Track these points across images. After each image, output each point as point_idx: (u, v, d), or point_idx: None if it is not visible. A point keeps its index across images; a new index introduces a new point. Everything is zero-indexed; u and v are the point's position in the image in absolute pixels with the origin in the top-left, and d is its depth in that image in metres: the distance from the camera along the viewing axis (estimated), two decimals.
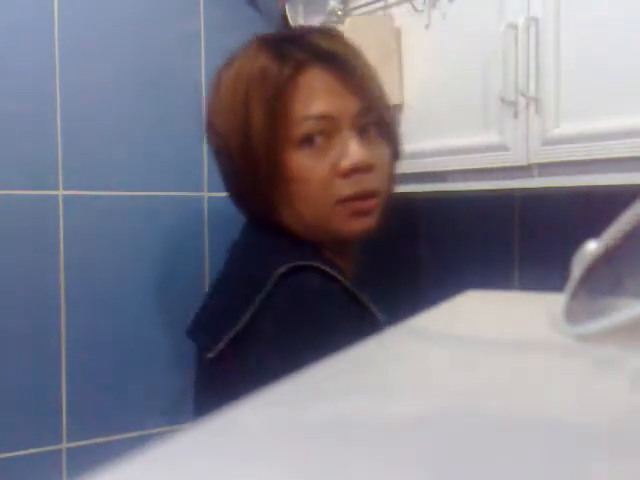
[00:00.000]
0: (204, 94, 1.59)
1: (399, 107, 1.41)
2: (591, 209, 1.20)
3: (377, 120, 1.07)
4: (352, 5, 1.49)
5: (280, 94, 1.02)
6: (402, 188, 1.43)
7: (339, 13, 1.47)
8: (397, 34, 1.41)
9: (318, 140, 1.03)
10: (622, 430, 0.22)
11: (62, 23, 1.43)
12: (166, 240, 1.36)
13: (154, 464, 0.20)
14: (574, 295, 0.39)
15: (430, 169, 1.35)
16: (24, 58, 1.39)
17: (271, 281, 0.98)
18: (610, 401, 0.26)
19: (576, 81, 1.11)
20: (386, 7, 1.44)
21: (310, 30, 1.12)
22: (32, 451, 1.40)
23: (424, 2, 1.35)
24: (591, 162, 1.10)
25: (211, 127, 1.12)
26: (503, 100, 1.19)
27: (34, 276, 1.41)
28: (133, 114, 1.51)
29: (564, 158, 1.13)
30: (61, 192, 1.43)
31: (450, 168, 1.31)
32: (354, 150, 1.02)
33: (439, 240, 1.68)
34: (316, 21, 1.52)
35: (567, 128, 1.12)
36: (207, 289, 1.26)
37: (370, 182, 1.05)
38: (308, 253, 1.05)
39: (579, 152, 1.11)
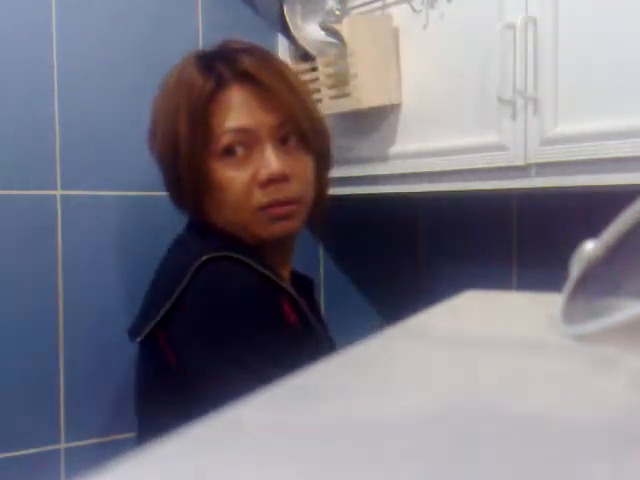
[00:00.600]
0: None
1: (397, 107, 1.41)
2: (589, 209, 1.20)
3: (297, 132, 1.15)
4: (350, 5, 1.49)
5: (202, 107, 1.11)
6: (401, 188, 1.43)
7: (337, 13, 1.47)
8: (395, 34, 1.41)
9: (239, 151, 1.12)
10: (620, 430, 0.22)
11: (60, 23, 1.43)
12: (164, 240, 1.36)
13: (153, 464, 0.20)
14: (572, 295, 0.39)
15: (428, 169, 1.35)
16: (22, 58, 1.39)
17: (190, 270, 1.06)
18: (608, 401, 0.26)
19: (574, 81, 1.11)
20: (384, 7, 1.44)
21: (242, 49, 1.19)
22: (30, 451, 1.39)
23: (422, 2, 1.35)
24: (589, 162, 1.10)
25: (151, 134, 1.20)
26: (501, 100, 1.19)
27: (32, 276, 1.41)
28: (131, 114, 1.51)
29: (562, 158, 1.13)
30: (59, 192, 1.43)
31: (448, 168, 1.31)
32: (270, 161, 1.11)
33: (437, 240, 1.68)
34: (314, 21, 1.52)
35: (565, 128, 1.12)
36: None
37: (287, 191, 1.13)
38: (233, 248, 1.12)
39: (577, 152, 1.11)
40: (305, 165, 1.17)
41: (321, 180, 1.23)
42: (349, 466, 0.19)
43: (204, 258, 1.07)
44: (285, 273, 1.23)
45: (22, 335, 1.39)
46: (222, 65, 1.14)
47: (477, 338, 0.38)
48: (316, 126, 1.20)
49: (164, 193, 1.34)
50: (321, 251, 1.73)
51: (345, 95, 1.41)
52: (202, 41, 1.59)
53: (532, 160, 1.17)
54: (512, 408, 0.25)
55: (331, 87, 1.44)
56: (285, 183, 1.12)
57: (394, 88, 1.40)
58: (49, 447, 1.42)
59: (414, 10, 1.37)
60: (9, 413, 1.38)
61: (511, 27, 1.17)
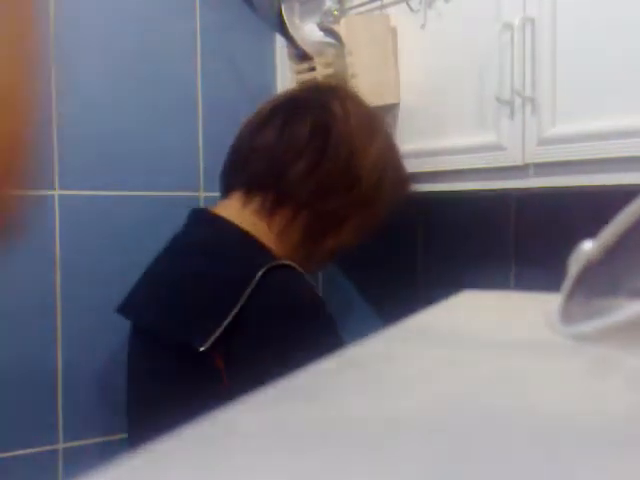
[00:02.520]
0: (200, 94, 1.59)
1: (395, 107, 1.41)
2: (587, 209, 1.20)
3: None
4: (348, 5, 1.49)
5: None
6: None
7: (335, 13, 1.47)
8: (393, 34, 1.41)
9: None
10: (619, 429, 0.22)
11: (59, 23, 1.43)
12: (162, 240, 1.36)
13: (151, 464, 0.20)
14: (570, 295, 0.39)
15: (426, 169, 1.35)
16: None
17: (255, 278, 1.06)
18: (606, 400, 0.26)
19: (572, 81, 1.11)
20: (382, 7, 1.44)
21: None
22: (28, 451, 1.39)
23: (420, 2, 1.35)
24: (587, 162, 1.10)
25: (345, 145, 1.25)
26: (499, 100, 1.19)
27: (30, 276, 1.40)
28: (129, 114, 1.51)
29: (560, 158, 1.13)
30: (57, 192, 1.43)
31: (446, 168, 1.31)
32: None
33: (435, 240, 1.68)
34: (312, 21, 1.52)
35: (563, 128, 1.12)
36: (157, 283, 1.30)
37: None
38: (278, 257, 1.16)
39: (575, 152, 1.11)
40: None
41: None
42: (349, 466, 0.19)
43: (269, 266, 1.09)
44: None
45: (20, 335, 1.39)
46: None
47: (475, 338, 0.38)
48: None
49: (161, 193, 1.34)
50: None
51: None
52: (200, 40, 1.59)
53: (530, 160, 1.17)
54: (511, 408, 0.25)
55: None
56: None
57: (392, 88, 1.40)
58: (47, 447, 1.42)
59: (412, 10, 1.37)
60: (7, 413, 1.38)
61: (509, 27, 1.17)
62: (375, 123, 1.31)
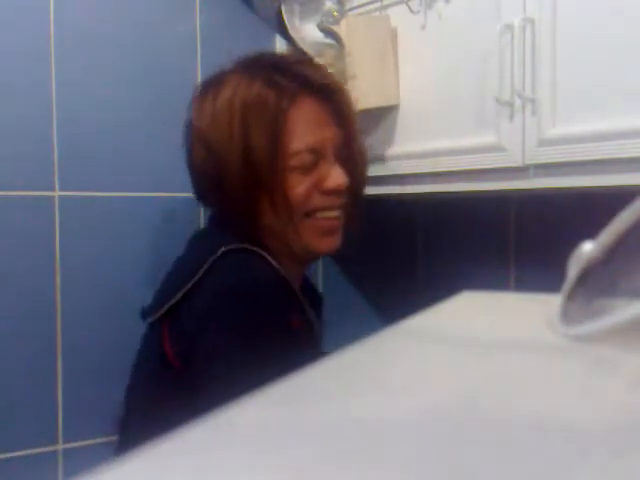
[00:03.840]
0: None
1: (395, 108, 1.41)
2: (587, 210, 1.21)
3: (352, 152, 1.24)
4: (348, 6, 1.49)
5: (278, 125, 1.14)
6: (398, 189, 1.43)
7: (335, 14, 1.47)
8: (393, 35, 1.41)
9: (308, 164, 1.17)
10: (619, 430, 0.22)
11: (58, 24, 1.43)
12: (162, 241, 1.36)
13: (151, 464, 0.20)
14: (570, 296, 0.39)
15: (426, 170, 1.35)
16: (20, 58, 1.39)
17: (209, 260, 1.08)
18: (607, 401, 0.26)
19: (572, 82, 1.11)
20: (382, 8, 1.44)
21: (295, 60, 1.24)
22: (28, 452, 1.39)
23: (420, 3, 1.35)
24: (587, 163, 1.10)
25: (202, 142, 1.18)
26: (499, 101, 1.19)
27: (30, 277, 1.40)
28: (129, 115, 1.51)
29: (560, 159, 1.13)
30: (57, 193, 1.43)
31: (446, 169, 1.31)
32: (339, 174, 1.19)
33: (435, 241, 1.68)
34: (312, 21, 1.52)
35: (563, 129, 1.12)
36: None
37: (340, 204, 1.22)
38: (258, 245, 1.14)
39: (575, 153, 1.11)
40: (349, 177, 1.23)
41: (358, 203, 1.29)
42: (348, 466, 0.19)
43: (224, 249, 1.09)
44: (297, 284, 1.25)
45: (20, 336, 1.39)
46: (286, 78, 1.17)
47: (475, 339, 0.38)
48: (364, 156, 1.30)
49: (161, 194, 1.34)
50: None
51: None
52: (200, 41, 1.59)
53: (530, 161, 1.17)
54: (511, 408, 0.25)
55: None
56: (341, 198, 1.21)
57: (392, 89, 1.40)
58: (47, 448, 1.42)
59: (412, 11, 1.37)
60: (7, 414, 1.38)
61: (509, 28, 1.17)
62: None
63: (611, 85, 1.06)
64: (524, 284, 1.46)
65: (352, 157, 1.25)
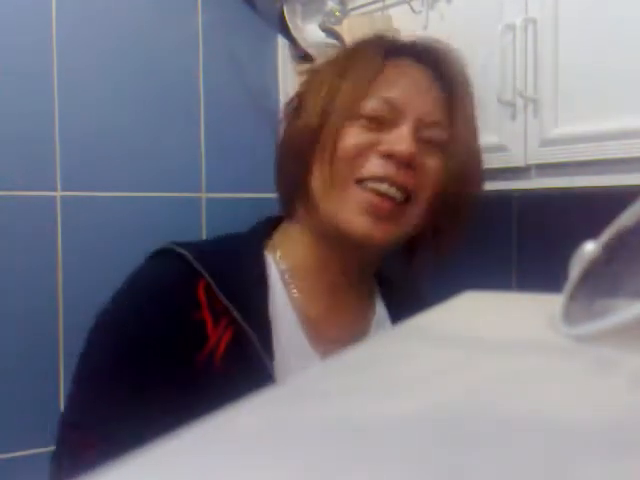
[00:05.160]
0: (202, 94, 1.59)
1: None
2: (589, 210, 1.20)
3: (450, 140, 0.99)
4: (350, 6, 1.49)
5: (369, 72, 0.98)
6: None
7: (337, 14, 1.47)
8: (395, 35, 1.41)
9: (375, 121, 0.96)
10: (621, 430, 0.22)
11: (60, 24, 1.43)
12: (164, 241, 1.36)
13: (152, 464, 0.20)
14: (572, 296, 0.39)
15: None
16: (22, 58, 1.39)
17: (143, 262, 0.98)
18: (608, 401, 0.26)
19: (574, 82, 1.11)
20: (384, 8, 1.44)
21: (433, 41, 1.06)
22: (29, 451, 1.39)
23: (422, 3, 1.35)
24: (589, 163, 1.10)
25: (293, 105, 1.05)
26: (501, 101, 1.19)
27: (32, 277, 1.41)
28: (131, 115, 1.51)
29: (562, 159, 1.13)
30: (59, 193, 1.43)
31: None
32: (404, 139, 0.94)
33: None
34: (314, 21, 1.52)
35: (565, 129, 1.12)
36: None
37: (405, 178, 0.94)
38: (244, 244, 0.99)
39: (577, 153, 1.11)
40: (438, 171, 0.98)
41: (447, 209, 1.03)
42: (348, 467, 0.19)
43: (156, 250, 0.98)
44: (336, 278, 1.01)
45: (22, 335, 1.39)
46: (402, 44, 1.04)
47: (477, 338, 0.38)
48: (472, 160, 1.04)
49: (163, 194, 1.34)
50: None
51: None
52: (202, 41, 1.59)
53: (532, 161, 1.17)
54: (512, 408, 0.25)
55: None
56: (407, 170, 0.94)
57: None
58: (48, 448, 1.42)
59: (414, 11, 1.37)
60: (8, 413, 1.38)
61: (511, 28, 1.17)
62: None
63: (613, 85, 1.06)
64: (526, 284, 1.45)
65: (448, 145, 0.99)
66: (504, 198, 1.48)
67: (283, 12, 1.58)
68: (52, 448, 1.43)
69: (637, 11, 1.03)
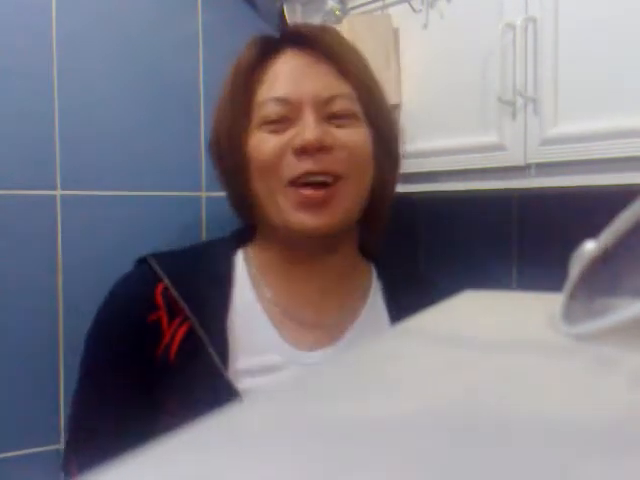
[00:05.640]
0: (202, 94, 1.59)
1: (397, 107, 1.41)
2: (589, 209, 1.20)
3: (352, 111, 0.98)
4: (350, 5, 1.49)
5: (245, 75, 0.99)
6: (400, 188, 1.43)
7: (337, 13, 1.47)
8: (395, 34, 1.41)
9: (278, 120, 0.96)
10: (620, 430, 0.22)
11: (60, 24, 1.43)
12: (164, 240, 1.36)
13: (152, 464, 0.20)
14: (572, 295, 0.39)
15: (428, 169, 1.35)
16: (22, 58, 1.39)
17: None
18: (608, 401, 0.26)
19: (574, 81, 1.11)
20: (384, 7, 1.44)
21: (304, 25, 1.09)
22: (29, 451, 1.39)
23: (422, 2, 1.35)
24: (589, 162, 1.10)
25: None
26: (501, 100, 1.19)
27: (32, 276, 1.40)
28: (131, 114, 1.51)
29: (562, 158, 1.13)
30: (59, 192, 1.43)
31: (448, 168, 1.31)
32: (310, 128, 0.93)
33: (437, 240, 1.68)
34: (314, 21, 1.52)
35: (565, 128, 1.12)
36: None
37: (326, 162, 0.94)
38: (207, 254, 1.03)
39: (577, 152, 1.11)
40: (359, 136, 0.98)
41: (384, 177, 1.02)
42: (349, 467, 0.19)
43: (138, 258, 1.04)
44: (301, 293, 1.02)
45: (22, 335, 1.39)
46: (277, 36, 1.04)
47: (477, 338, 0.38)
48: (382, 109, 1.02)
49: (163, 193, 1.34)
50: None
51: None
52: (202, 41, 1.59)
53: (532, 160, 1.17)
54: (512, 408, 0.25)
55: None
56: (324, 154, 0.94)
57: (394, 88, 1.40)
58: (49, 447, 1.42)
59: (414, 10, 1.37)
60: (8, 413, 1.38)
61: (511, 27, 1.17)
62: None
63: (613, 84, 1.06)
64: (526, 283, 1.45)
65: (361, 112, 0.98)
66: (504, 197, 1.48)
67: (283, 12, 1.58)
68: (52, 447, 1.43)
69: (637, 11, 1.03)
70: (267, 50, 1.00)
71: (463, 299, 0.52)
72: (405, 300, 1.01)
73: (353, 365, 0.32)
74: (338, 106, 0.97)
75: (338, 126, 0.96)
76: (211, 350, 0.92)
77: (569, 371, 0.31)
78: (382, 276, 1.09)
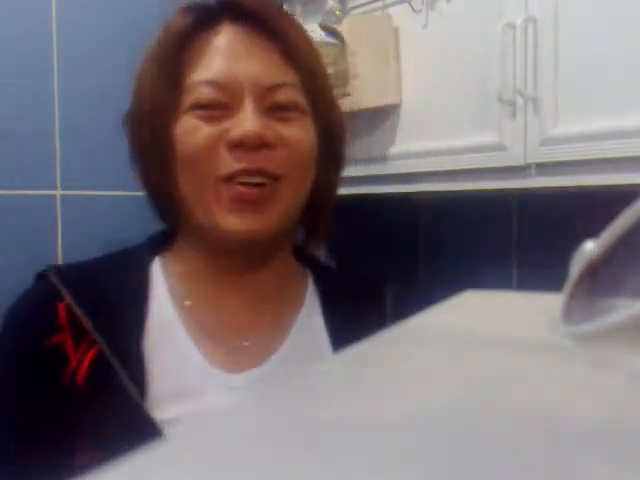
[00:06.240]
0: None
1: (397, 107, 1.41)
2: (589, 209, 1.21)
3: (299, 100, 0.83)
4: (350, 5, 1.49)
5: (172, 51, 0.86)
6: (400, 188, 1.43)
7: (337, 13, 1.47)
8: (395, 34, 1.41)
9: (212, 108, 0.82)
10: (620, 430, 0.22)
11: (60, 24, 1.43)
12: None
13: (152, 464, 0.20)
14: (572, 295, 0.39)
15: (428, 169, 1.35)
16: (23, 58, 1.39)
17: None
18: (608, 401, 0.26)
19: (574, 81, 1.11)
20: (384, 7, 1.44)
21: None
22: None
23: (422, 2, 1.35)
24: (589, 162, 1.10)
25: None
26: (501, 100, 1.19)
27: (32, 276, 1.41)
28: None
29: (562, 158, 1.13)
30: (59, 192, 1.43)
31: (448, 168, 1.31)
32: (248, 119, 0.79)
33: (437, 240, 1.68)
34: (314, 20, 1.52)
35: (565, 128, 1.12)
36: None
37: (265, 161, 0.80)
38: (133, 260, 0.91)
39: (577, 152, 1.11)
40: (304, 133, 0.84)
41: (327, 177, 0.89)
42: (349, 467, 0.19)
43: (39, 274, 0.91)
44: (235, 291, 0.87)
45: None
46: (213, 4, 0.88)
47: (477, 338, 0.38)
48: (329, 102, 0.88)
49: None
50: (321, 251, 1.73)
51: (345, 95, 1.41)
52: None
53: (532, 160, 1.17)
54: (512, 408, 0.25)
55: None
56: (263, 152, 0.80)
57: (394, 88, 1.40)
58: None
59: (414, 10, 1.37)
60: None
61: (511, 27, 1.17)
62: None
63: (613, 84, 1.06)
64: (526, 283, 1.46)
65: (307, 104, 0.84)
66: (504, 197, 1.48)
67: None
68: None
69: (636, 11, 1.03)
70: (202, 19, 0.86)
71: (463, 299, 0.52)
72: (347, 309, 0.90)
73: (352, 365, 0.32)
74: (282, 96, 0.82)
75: (281, 119, 0.82)
76: (124, 376, 0.79)
77: (569, 371, 0.31)
78: (320, 283, 0.94)
